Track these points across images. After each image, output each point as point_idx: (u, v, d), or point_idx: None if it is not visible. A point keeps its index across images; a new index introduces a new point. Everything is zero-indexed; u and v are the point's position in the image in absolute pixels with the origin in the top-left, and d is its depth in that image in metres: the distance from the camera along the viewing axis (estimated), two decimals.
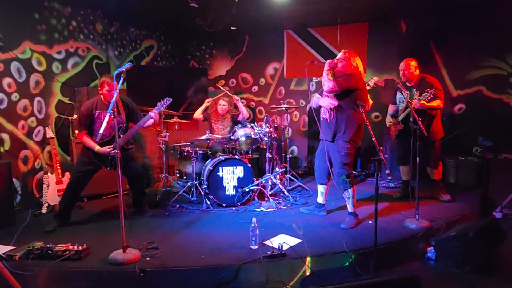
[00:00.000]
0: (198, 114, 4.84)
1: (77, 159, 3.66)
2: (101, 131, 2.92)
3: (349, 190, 3.35)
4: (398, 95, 4.08)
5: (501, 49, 4.90)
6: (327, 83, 3.20)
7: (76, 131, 3.57)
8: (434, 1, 4.78)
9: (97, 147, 3.39)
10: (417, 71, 3.95)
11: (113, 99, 2.70)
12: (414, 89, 3.89)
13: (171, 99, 3.62)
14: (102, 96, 3.48)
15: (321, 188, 3.64)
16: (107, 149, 3.39)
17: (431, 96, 3.54)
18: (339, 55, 3.36)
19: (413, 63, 3.91)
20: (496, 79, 4.96)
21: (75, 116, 4.57)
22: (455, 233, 2.91)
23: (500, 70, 4.96)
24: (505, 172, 4.16)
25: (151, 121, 3.55)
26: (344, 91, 3.24)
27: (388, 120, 4.22)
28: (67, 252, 2.61)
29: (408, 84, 3.98)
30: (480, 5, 4.80)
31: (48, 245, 2.68)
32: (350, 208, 3.41)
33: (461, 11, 5.00)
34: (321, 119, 3.48)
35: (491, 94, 5.02)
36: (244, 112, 4.76)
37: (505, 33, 4.82)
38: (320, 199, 3.68)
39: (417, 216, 3.27)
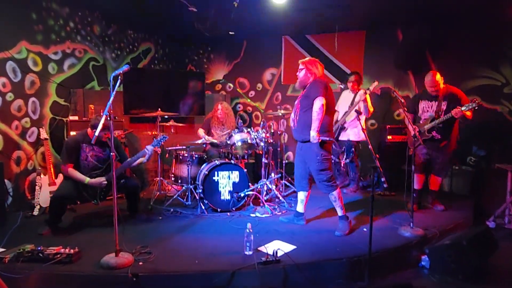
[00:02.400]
0: (201, 133, 4.85)
1: (66, 182, 3.44)
2: (96, 133, 2.89)
3: (333, 192, 3.34)
4: (422, 104, 3.98)
5: (496, 60, 4.97)
6: (320, 102, 3.19)
7: (61, 164, 3.43)
8: (430, 11, 4.85)
9: (87, 179, 3.30)
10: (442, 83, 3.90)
11: (110, 100, 2.69)
12: (442, 100, 3.84)
13: (168, 137, 3.58)
14: (90, 129, 3.41)
15: (301, 195, 3.58)
16: (99, 179, 3.32)
17: (476, 107, 3.54)
18: (300, 66, 3.41)
19: (438, 76, 3.85)
20: (490, 90, 5.03)
21: (70, 117, 4.53)
22: (449, 242, 2.93)
23: (494, 81, 5.03)
24: (499, 182, 4.19)
25: (141, 159, 3.48)
26: (303, 97, 3.34)
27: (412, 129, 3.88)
28: (58, 255, 2.57)
29: (432, 94, 3.91)
30: (476, 16, 4.87)
31: (39, 248, 2.63)
32: (339, 212, 3.38)
33: (457, 21, 5.08)
34: (291, 121, 3.54)
35: (485, 104, 5.08)
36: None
37: (500, 44, 4.90)
38: (300, 208, 3.61)
39: (411, 224, 3.28)
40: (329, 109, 3.28)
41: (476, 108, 3.56)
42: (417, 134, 3.36)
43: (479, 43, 5.02)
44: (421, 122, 4.00)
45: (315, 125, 3.18)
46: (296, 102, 3.47)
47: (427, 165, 3.98)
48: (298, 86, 3.51)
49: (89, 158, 3.45)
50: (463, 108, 3.58)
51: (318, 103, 3.17)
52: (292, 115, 3.51)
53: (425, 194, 4.21)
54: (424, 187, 4.18)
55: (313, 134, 3.17)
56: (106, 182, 3.36)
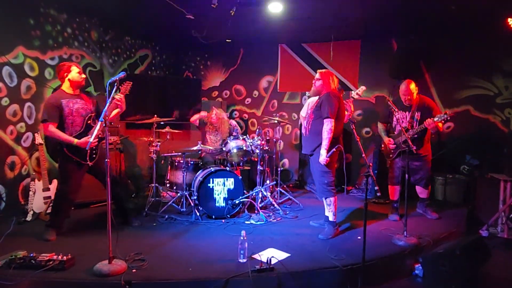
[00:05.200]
0: (194, 118, 4.94)
1: (62, 170, 3.33)
2: (91, 139, 2.89)
3: (331, 198, 3.39)
4: (397, 114, 3.96)
5: (488, 70, 5.06)
6: (329, 125, 3.30)
7: (42, 124, 3.24)
8: (424, 22, 4.93)
9: (75, 140, 3.16)
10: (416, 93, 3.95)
11: (105, 107, 2.69)
12: (415, 111, 3.89)
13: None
14: (67, 83, 3.25)
15: (325, 201, 3.64)
16: (87, 139, 3.10)
17: (448, 118, 3.61)
18: (316, 75, 3.58)
19: (413, 86, 3.89)
20: (483, 99, 5.10)
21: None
22: (442, 251, 2.94)
23: (487, 91, 5.10)
24: (492, 191, 4.23)
25: (117, 110, 3.25)
26: (316, 108, 3.45)
27: (387, 140, 4.06)
28: (51, 262, 2.54)
29: (406, 105, 3.97)
30: (469, 27, 4.96)
31: (31, 254, 2.61)
32: (331, 217, 3.44)
33: (450, 32, 5.16)
34: (303, 129, 3.68)
35: (478, 113, 5.15)
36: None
37: (492, 55, 4.99)
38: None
39: (405, 232, 3.29)
40: (339, 117, 3.40)
41: (448, 119, 3.63)
42: (389, 149, 3.43)
43: (473, 53, 5.11)
44: (395, 133, 4.07)
45: (325, 143, 3.31)
46: (309, 111, 3.59)
47: (403, 178, 3.94)
48: (311, 94, 3.67)
49: (74, 113, 3.23)
50: (435, 119, 3.64)
51: (328, 125, 3.30)
52: (305, 123, 3.63)
53: (415, 202, 4.24)
54: (414, 196, 4.20)
55: (323, 152, 3.30)
56: (93, 141, 3.07)
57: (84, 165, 3.32)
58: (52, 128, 3.17)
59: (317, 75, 3.57)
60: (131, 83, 3.21)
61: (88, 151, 3.21)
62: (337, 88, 3.57)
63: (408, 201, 3.42)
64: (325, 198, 3.43)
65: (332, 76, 3.55)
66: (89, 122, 3.31)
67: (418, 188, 4.14)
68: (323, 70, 3.60)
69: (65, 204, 3.40)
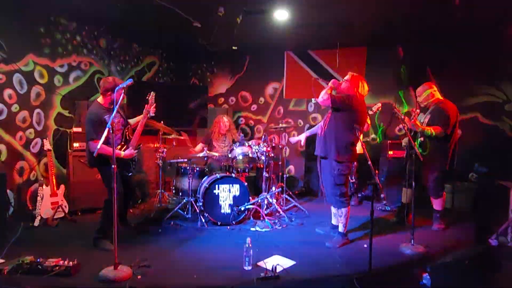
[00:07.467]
0: (198, 148, 4.89)
1: (108, 179, 3.20)
2: (98, 145, 2.93)
3: (343, 209, 3.35)
4: (419, 117, 4.04)
5: (496, 77, 5.02)
6: (322, 94, 3.27)
7: (92, 141, 3.21)
8: (431, 29, 4.92)
9: (122, 153, 3.28)
10: (433, 96, 3.92)
11: (112, 114, 2.73)
12: (428, 114, 3.87)
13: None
14: (106, 98, 3.28)
15: (333, 210, 3.61)
16: (131, 150, 3.33)
17: (416, 116, 3.62)
18: (346, 76, 3.43)
19: (425, 88, 3.92)
20: (491, 106, 5.05)
21: (74, 129, 4.56)
22: (451, 260, 2.89)
23: (495, 98, 5.05)
24: (501, 199, 4.16)
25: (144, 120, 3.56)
26: (341, 110, 3.29)
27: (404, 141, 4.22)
28: (57, 268, 2.57)
29: (422, 106, 4.03)
30: (476, 34, 4.93)
31: (38, 260, 2.64)
32: (341, 228, 3.40)
33: (457, 39, 5.14)
34: (319, 128, 3.58)
35: (486, 121, 5.10)
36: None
37: (500, 62, 4.95)
38: (334, 221, 3.64)
39: (412, 241, 3.25)
40: (348, 125, 3.21)
41: (416, 117, 3.62)
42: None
43: (480, 60, 5.07)
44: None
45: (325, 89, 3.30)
46: (329, 111, 3.46)
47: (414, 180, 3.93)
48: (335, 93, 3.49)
49: (116, 125, 3.31)
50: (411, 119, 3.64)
51: (324, 96, 3.23)
52: (322, 122, 3.52)
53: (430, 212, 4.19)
54: (428, 204, 4.15)
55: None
56: (136, 151, 3.41)
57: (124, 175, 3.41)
58: (100, 144, 3.10)
59: (347, 76, 3.40)
60: (154, 93, 3.58)
61: (131, 162, 3.39)
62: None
63: (417, 208, 3.38)
64: (338, 209, 3.40)
65: (362, 81, 3.37)
66: (127, 133, 3.45)
67: (431, 197, 4.07)
68: (355, 74, 3.42)
69: (122, 202, 3.42)
